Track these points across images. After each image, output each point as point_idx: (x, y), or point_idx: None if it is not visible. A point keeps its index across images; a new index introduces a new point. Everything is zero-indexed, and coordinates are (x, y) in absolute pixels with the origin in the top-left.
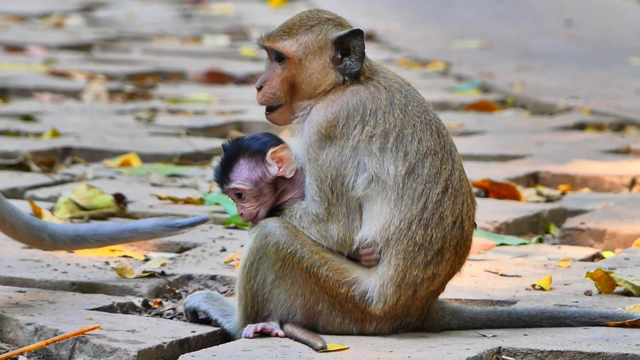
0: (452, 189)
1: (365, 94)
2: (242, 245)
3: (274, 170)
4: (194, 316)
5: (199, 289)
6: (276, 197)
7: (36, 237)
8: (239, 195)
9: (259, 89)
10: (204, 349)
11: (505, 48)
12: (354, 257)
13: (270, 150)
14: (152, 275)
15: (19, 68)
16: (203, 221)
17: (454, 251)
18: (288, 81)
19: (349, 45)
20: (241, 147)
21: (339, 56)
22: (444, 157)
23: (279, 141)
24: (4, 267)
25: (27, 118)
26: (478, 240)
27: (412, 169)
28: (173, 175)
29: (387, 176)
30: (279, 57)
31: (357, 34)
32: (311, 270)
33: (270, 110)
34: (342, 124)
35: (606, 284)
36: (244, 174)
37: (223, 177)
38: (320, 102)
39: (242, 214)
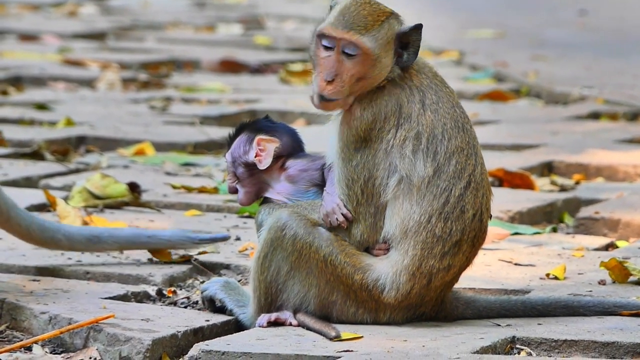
0: (474, 182)
1: (402, 97)
2: (258, 234)
3: (251, 154)
4: (211, 304)
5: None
6: (255, 184)
7: (51, 238)
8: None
9: (330, 81)
10: (218, 338)
11: (520, 37)
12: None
13: (259, 136)
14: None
15: (33, 57)
16: (224, 238)
17: (471, 243)
18: (357, 77)
19: (408, 39)
20: (251, 125)
21: (400, 50)
22: (469, 153)
23: (287, 135)
24: (18, 255)
25: (41, 107)
26: (492, 229)
27: (439, 168)
28: (187, 164)
29: (416, 176)
30: (351, 50)
31: (419, 28)
32: (328, 259)
33: (327, 100)
34: (378, 127)
35: (620, 273)
36: (232, 147)
37: (228, 145)
38: (360, 102)
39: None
